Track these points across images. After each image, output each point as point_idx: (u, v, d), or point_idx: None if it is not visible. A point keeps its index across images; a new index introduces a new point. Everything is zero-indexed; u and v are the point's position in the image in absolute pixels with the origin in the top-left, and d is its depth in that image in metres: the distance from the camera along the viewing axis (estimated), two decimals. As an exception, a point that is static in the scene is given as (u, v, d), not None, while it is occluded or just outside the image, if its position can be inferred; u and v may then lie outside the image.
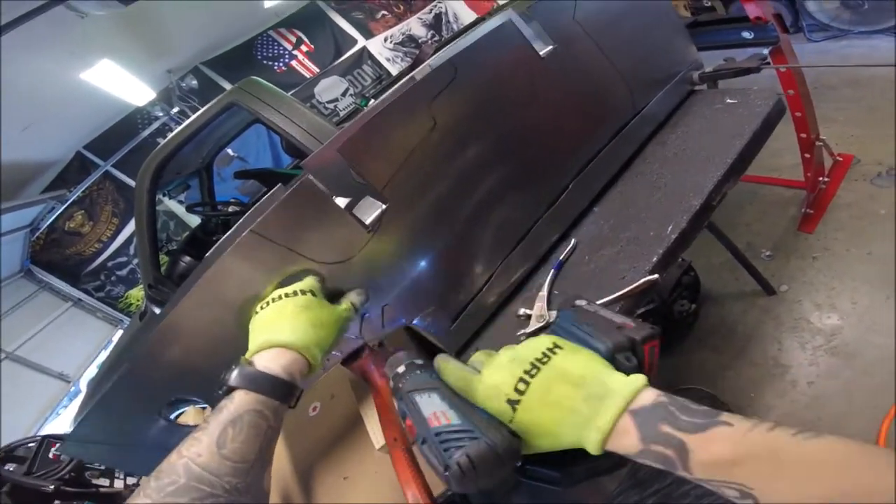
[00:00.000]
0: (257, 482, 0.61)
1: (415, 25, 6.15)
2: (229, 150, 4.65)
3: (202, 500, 0.55)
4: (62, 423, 3.85)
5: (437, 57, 1.14)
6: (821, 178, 2.37)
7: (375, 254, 0.99)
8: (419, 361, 0.68)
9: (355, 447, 1.37)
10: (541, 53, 1.24)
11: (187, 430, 1.21)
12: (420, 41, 6.10)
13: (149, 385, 1.12)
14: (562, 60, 1.28)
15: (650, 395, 0.52)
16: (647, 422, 0.50)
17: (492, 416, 0.58)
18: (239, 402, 0.64)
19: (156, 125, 4.74)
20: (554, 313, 1.03)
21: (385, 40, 5.94)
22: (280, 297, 0.80)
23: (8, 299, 3.96)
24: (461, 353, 1.13)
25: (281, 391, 0.67)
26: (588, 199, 1.34)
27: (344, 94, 5.57)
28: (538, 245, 1.24)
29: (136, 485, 2.02)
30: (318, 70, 5.51)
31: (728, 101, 1.50)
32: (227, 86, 4.82)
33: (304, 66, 5.48)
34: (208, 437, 0.60)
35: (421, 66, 1.12)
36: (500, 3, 4.66)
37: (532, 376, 0.57)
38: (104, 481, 2.12)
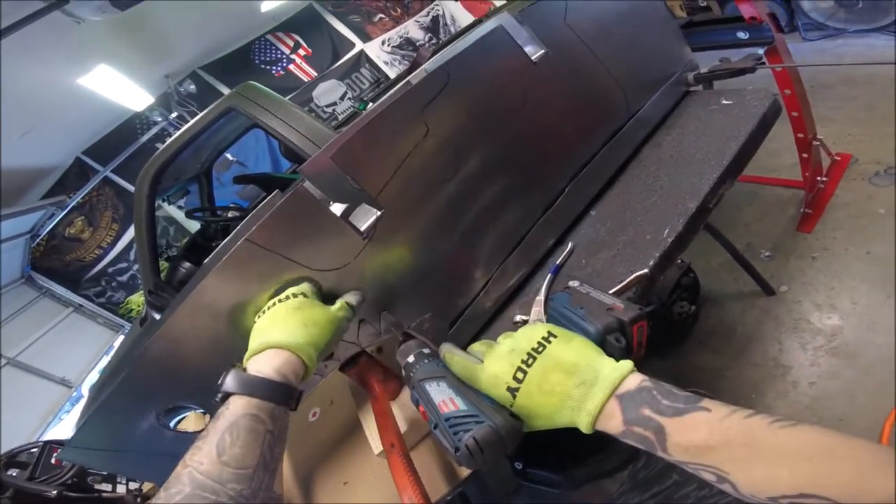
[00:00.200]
0: (264, 488, 0.61)
1: (412, 28, 6.16)
2: (228, 155, 4.66)
3: None
4: (65, 428, 3.85)
5: (430, 63, 1.14)
6: (819, 178, 2.36)
7: (371, 260, 0.99)
8: (427, 351, 0.75)
9: (355, 452, 1.37)
10: (533, 58, 1.24)
11: (187, 436, 1.21)
12: (417, 44, 6.10)
13: (148, 391, 1.12)
14: (554, 64, 1.28)
15: (635, 380, 0.56)
16: (630, 405, 0.54)
17: (494, 401, 0.63)
18: (234, 407, 0.64)
19: (154, 130, 4.74)
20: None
21: (383, 43, 5.94)
22: (274, 304, 0.83)
23: (9, 305, 3.96)
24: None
25: (274, 393, 0.67)
26: (584, 202, 1.34)
27: (342, 98, 5.57)
28: (535, 249, 1.24)
29: (139, 490, 2.02)
30: (316, 74, 5.51)
31: (724, 101, 1.50)
32: (226, 90, 4.82)
33: (302, 69, 5.49)
34: (208, 444, 0.60)
35: (416, 71, 1.12)
36: (497, 5, 4.67)
37: (529, 366, 0.61)
38: (106, 486, 2.12)
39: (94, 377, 4.22)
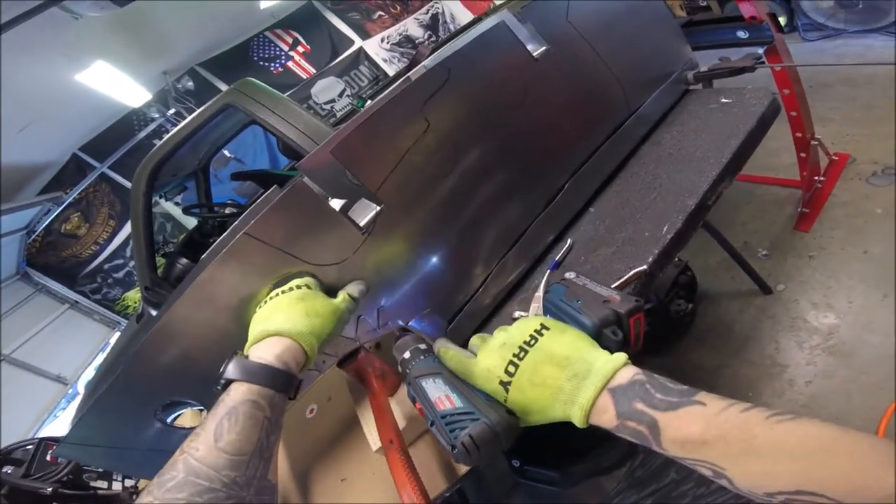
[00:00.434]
0: (258, 476, 0.61)
1: (411, 26, 6.15)
2: (226, 152, 4.65)
3: (200, 494, 0.54)
4: (60, 425, 3.84)
5: (431, 59, 1.13)
6: (817, 178, 2.37)
7: (370, 256, 0.99)
8: (423, 346, 0.74)
9: (353, 449, 1.36)
10: (534, 55, 1.24)
11: (184, 433, 1.20)
12: (417, 42, 6.10)
13: (145, 387, 1.12)
14: (555, 61, 1.28)
15: (628, 373, 0.55)
16: (622, 399, 0.53)
17: (489, 396, 0.62)
18: (234, 394, 0.64)
19: (152, 127, 4.72)
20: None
21: (382, 41, 5.94)
22: (277, 294, 0.82)
23: (4, 302, 3.94)
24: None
25: (275, 380, 0.67)
26: (583, 199, 1.34)
27: (341, 95, 5.56)
28: (534, 246, 1.23)
29: (135, 487, 2.02)
30: (314, 71, 5.50)
31: (723, 100, 1.50)
32: (224, 87, 4.82)
33: (301, 67, 5.48)
34: (206, 431, 0.60)
35: (416, 68, 1.11)
36: (497, 3, 4.66)
37: (520, 359, 0.60)
38: (102, 483, 2.11)
39: (89, 374, 4.21)
